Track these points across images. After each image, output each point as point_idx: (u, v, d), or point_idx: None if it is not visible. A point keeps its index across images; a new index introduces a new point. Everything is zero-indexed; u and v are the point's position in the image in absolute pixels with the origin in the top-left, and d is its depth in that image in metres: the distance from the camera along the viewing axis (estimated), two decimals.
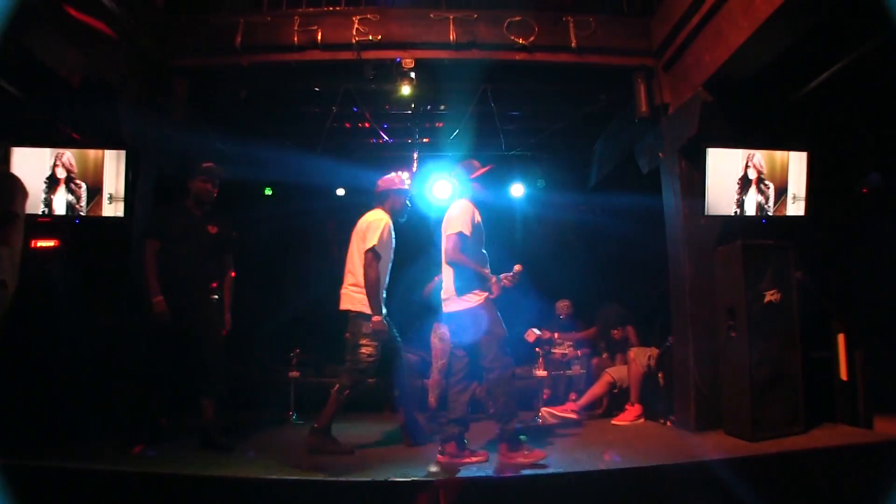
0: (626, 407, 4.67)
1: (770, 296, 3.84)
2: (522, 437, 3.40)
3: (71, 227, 3.95)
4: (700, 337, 4.11)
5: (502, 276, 3.45)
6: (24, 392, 3.28)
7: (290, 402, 4.88)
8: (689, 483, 2.95)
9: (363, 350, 3.59)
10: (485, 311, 3.35)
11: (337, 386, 3.58)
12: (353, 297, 3.68)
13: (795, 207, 4.18)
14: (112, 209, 3.95)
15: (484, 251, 3.57)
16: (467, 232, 3.40)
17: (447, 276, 3.52)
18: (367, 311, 3.59)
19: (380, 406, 5.31)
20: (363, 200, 4.21)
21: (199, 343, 3.58)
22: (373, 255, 3.58)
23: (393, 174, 3.97)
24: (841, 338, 4.03)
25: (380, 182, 3.95)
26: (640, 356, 4.73)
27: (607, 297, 5.65)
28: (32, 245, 3.75)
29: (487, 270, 3.48)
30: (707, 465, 3.03)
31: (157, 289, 3.48)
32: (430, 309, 5.21)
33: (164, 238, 3.58)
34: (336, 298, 3.80)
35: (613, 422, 4.60)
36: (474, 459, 3.28)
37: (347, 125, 5.93)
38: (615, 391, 4.82)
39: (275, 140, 5.92)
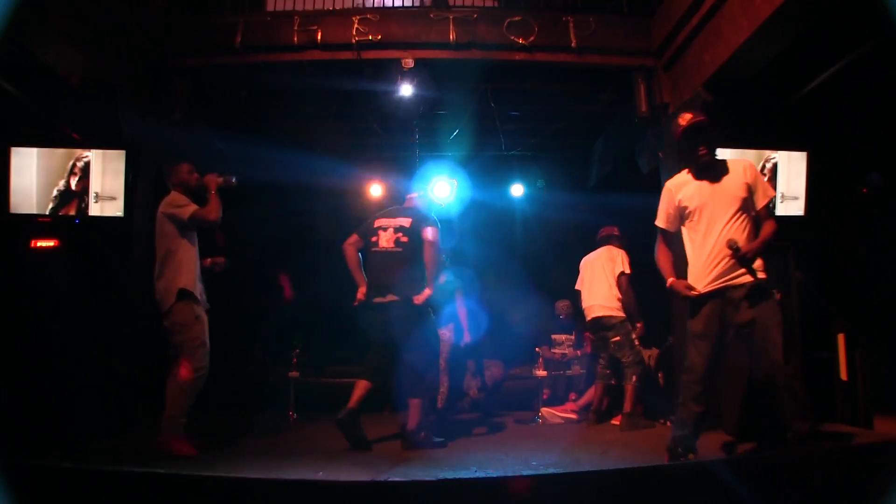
0: None
1: None
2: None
3: (71, 227, 3.95)
4: None
5: None
6: (23, 392, 3.28)
7: (290, 402, 4.88)
8: (689, 483, 2.95)
9: (637, 344, 4.48)
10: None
11: (634, 379, 4.33)
12: (617, 307, 4.51)
13: (795, 207, 4.19)
14: (98, 208, 4.02)
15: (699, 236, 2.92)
16: (662, 224, 3.06)
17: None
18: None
19: (380, 406, 5.32)
20: (364, 200, 4.21)
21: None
22: (627, 279, 4.53)
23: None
24: (841, 338, 4.02)
25: (605, 230, 4.78)
26: None
27: None
28: (32, 245, 3.75)
29: (707, 260, 2.90)
30: (707, 465, 3.03)
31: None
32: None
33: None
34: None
35: (613, 422, 4.59)
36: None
37: (347, 125, 5.93)
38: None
39: (275, 140, 5.92)
